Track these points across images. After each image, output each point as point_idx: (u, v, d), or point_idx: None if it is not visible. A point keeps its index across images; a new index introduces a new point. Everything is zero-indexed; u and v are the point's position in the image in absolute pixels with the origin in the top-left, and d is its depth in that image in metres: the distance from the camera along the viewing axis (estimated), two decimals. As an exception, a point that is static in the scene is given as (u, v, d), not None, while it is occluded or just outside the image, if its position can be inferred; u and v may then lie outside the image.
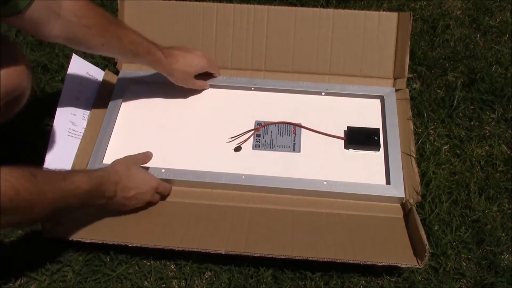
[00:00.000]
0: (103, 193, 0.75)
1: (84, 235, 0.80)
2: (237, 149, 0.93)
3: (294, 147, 0.93)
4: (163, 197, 0.88)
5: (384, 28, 1.00)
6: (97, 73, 1.03)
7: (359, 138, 0.93)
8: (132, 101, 1.02)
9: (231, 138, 0.95)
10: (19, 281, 0.81)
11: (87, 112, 0.99)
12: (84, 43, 0.80)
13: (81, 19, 0.76)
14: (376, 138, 0.92)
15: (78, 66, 1.00)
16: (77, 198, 0.69)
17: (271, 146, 0.93)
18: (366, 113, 0.98)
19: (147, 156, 0.90)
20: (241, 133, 0.95)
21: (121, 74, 1.04)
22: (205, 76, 1.01)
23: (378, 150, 0.92)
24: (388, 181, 0.87)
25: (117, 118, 0.98)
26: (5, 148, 0.95)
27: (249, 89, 1.02)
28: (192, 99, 1.01)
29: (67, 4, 0.73)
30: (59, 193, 0.65)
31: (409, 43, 0.99)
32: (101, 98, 1.00)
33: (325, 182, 0.87)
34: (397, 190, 0.86)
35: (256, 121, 0.97)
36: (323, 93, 1.00)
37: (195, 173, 0.89)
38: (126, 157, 0.85)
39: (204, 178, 0.88)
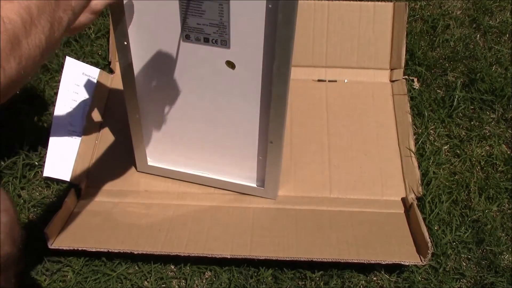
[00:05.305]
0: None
1: (89, 244, 0.79)
2: (230, 64, 0.70)
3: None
4: None
5: (379, 18, 0.99)
6: (93, 73, 1.03)
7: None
8: None
9: None
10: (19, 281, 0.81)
11: (85, 111, 0.99)
12: None
13: None
14: None
15: (73, 68, 1.00)
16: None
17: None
18: None
19: None
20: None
21: None
22: None
23: None
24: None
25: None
26: (4, 148, 0.95)
27: None
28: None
29: None
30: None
31: (405, 33, 0.99)
32: (97, 99, 1.00)
33: None
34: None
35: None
36: None
37: None
38: None
39: None
